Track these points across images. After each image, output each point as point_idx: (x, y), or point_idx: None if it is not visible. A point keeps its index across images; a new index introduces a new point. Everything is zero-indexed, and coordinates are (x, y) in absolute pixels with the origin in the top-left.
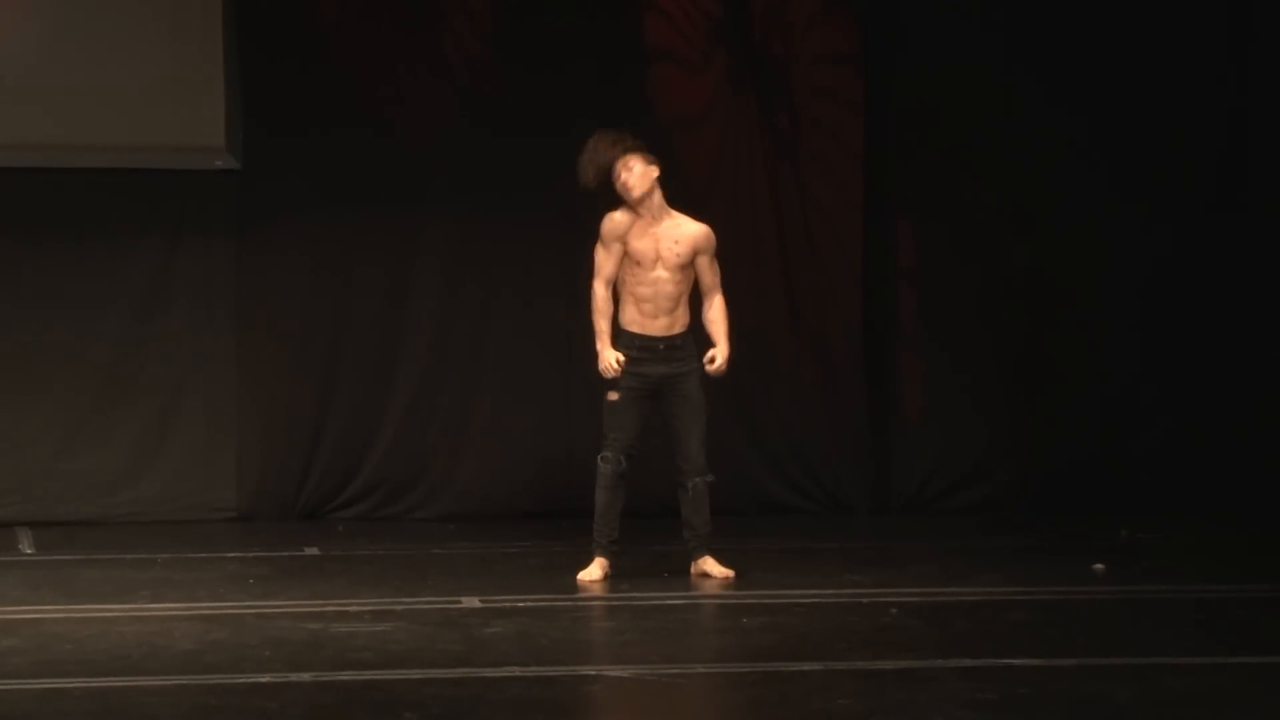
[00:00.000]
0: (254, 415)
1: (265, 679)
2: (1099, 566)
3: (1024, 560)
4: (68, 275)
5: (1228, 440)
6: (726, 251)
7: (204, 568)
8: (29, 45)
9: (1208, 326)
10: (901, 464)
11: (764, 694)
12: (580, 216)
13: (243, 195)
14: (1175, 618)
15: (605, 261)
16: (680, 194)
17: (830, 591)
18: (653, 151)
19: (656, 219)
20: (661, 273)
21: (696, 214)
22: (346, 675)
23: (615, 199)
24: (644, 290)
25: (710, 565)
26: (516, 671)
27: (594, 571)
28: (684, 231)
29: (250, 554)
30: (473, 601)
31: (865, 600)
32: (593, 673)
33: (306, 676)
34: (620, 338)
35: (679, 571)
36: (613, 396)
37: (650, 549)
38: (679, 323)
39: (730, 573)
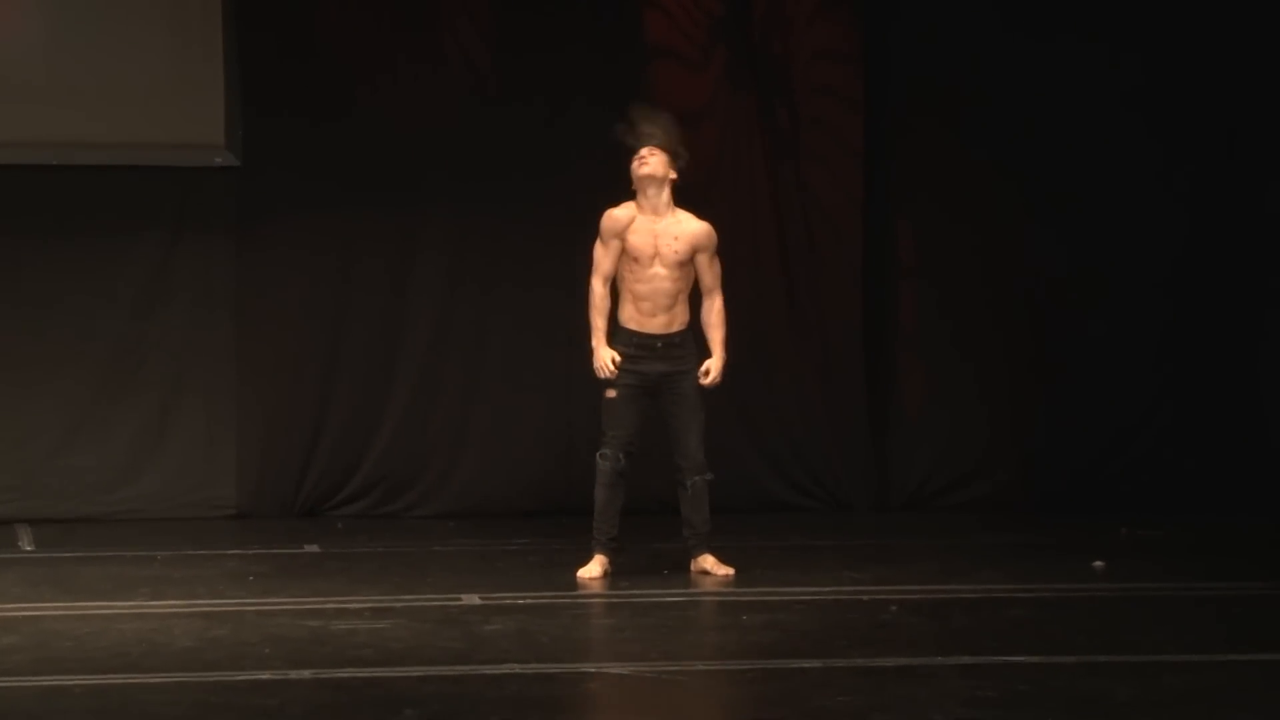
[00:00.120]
0: (254, 412)
1: (265, 676)
2: (1099, 564)
3: (1024, 557)
4: (67, 272)
5: (1228, 440)
6: (726, 249)
7: (204, 565)
8: (29, 43)
9: (1208, 325)
10: (901, 461)
11: (764, 691)
12: (580, 212)
13: (242, 192)
14: (1175, 615)
15: (604, 258)
16: (680, 192)
17: (830, 589)
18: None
19: (659, 215)
20: (659, 270)
21: (696, 212)
22: (346, 673)
23: (614, 197)
24: (642, 287)
25: (710, 563)
26: (516, 669)
27: (594, 569)
28: (684, 229)
29: (250, 551)
30: (472, 599)
31: (865, 597)
32: (592, 670)
33: (306, 674)
34: (618, 335)
35: (679, 568)
36: (611, 394)
37: (650, 546)
38: (677, 321)
39: (730, 571)
